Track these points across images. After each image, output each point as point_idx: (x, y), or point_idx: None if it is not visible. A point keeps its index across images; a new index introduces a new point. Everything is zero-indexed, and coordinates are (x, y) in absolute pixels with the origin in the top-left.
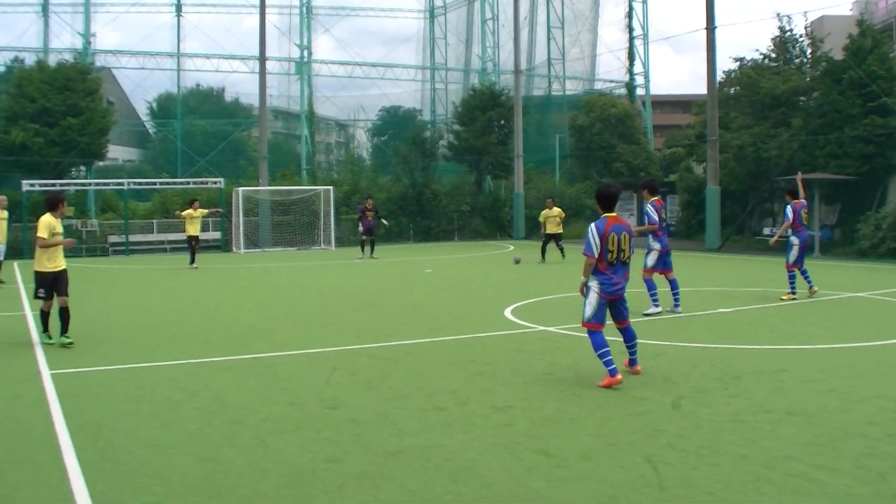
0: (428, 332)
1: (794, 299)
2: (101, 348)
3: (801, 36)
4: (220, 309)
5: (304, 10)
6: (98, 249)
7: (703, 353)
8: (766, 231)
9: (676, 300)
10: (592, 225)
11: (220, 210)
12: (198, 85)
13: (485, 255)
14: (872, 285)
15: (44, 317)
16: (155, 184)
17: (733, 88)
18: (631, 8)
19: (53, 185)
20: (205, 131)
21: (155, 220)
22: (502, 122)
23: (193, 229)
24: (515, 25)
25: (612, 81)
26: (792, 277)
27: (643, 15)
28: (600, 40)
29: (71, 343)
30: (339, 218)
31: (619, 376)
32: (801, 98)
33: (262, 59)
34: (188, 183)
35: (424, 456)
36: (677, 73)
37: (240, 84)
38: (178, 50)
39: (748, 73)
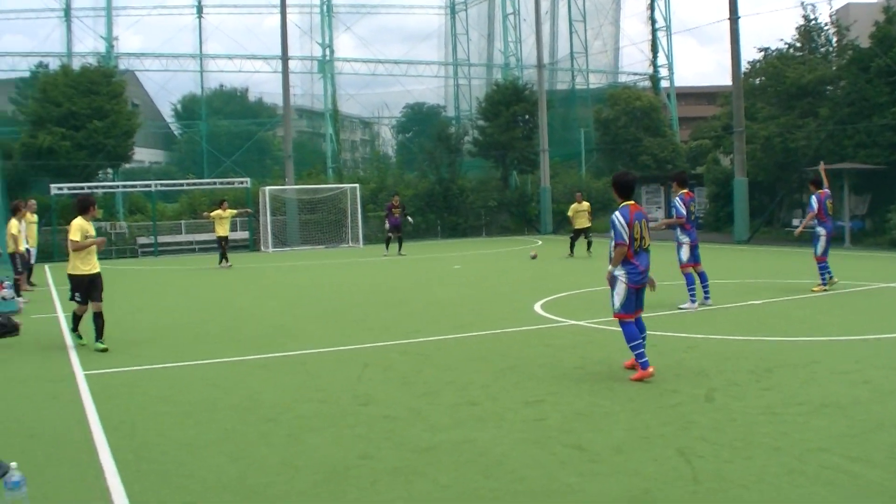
0: (458, 328)
1: (825, 290)
2: (133, 349)
3: (826, 24)
4: (250, 308)
5: (325, 8)
6: (127, 251)
7: (734, 345)
8: (795, 222)
9: (706, 292)
10: (617, 213)
11: (249, 211)
12: (221, 86)
13: (513, 250)
14: None
15: (75, 318)
16: (182, 185)
17: (759, 79)
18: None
19: (81, 188)
20: (229, 132)
21: (183, 221)
22: (527, 116)
23: (223, 229)
24: (537, 19)
25: (635, 74)
26: (823, 268)
27: (665, 6)
28: (623, 33)
29: (105, 349)
30: (366, 215)
31: (652, 369)
32: (828, 87)
33: (285, 58)
34: (215, 183)
35: (457, 451)
36: (702, 64)
37: (263, 84)
38: (201, 51)
39: (773, 62)
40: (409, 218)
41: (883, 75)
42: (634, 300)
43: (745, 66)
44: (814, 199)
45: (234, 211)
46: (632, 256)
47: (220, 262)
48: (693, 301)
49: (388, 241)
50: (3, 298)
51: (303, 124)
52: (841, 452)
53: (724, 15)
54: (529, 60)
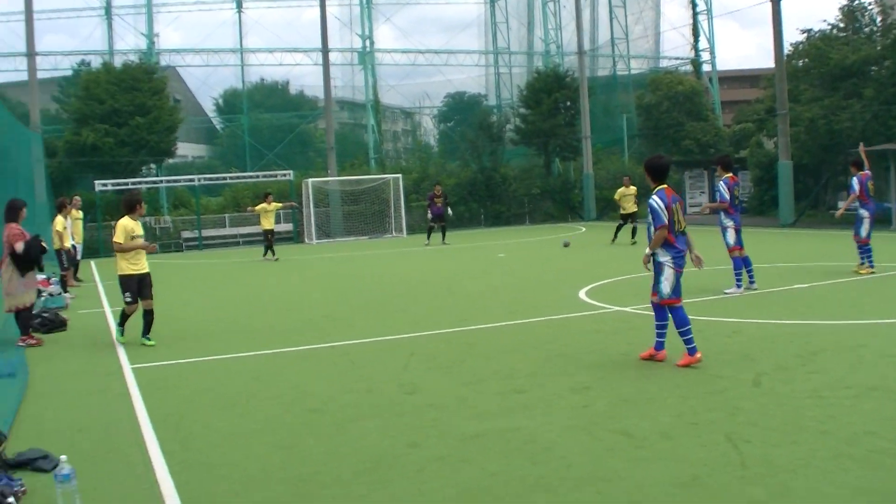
0: (503, 316)
1: (872, 273)
2: (179, 342)
3: (869, 4)
4: (294, 299)
5: (364, 0)
6: (172, 245)
7: (780, 329)
8: (841, 205)
9: (751, 277)
10: (655, 197)
11: (294, 203)
12: (262, 79)
13: (557, 237)
14: None
15: (124, 315)
16: (225, 178)
17: (801, 61)
18: None
19: (125, 184)
20: (271, 125)
21: (227, 215)
22: (568, 103)
23: (268, 222)
24: (577, 6)
25: (677, 59)
26: (867, 251)
27: None
28: (663, 17)
29: (153, 345)
30: (409, 205)
31: (699, 354)
32: (873, 68)
33: (325, 50)
34: (258, 176)
35: (504, 439)
36: (743, 47)
37: (304, 77)
38: (241, 46)
39: (816, 44)
40: (450, 210)
41: None
42: (680, 283)
43: (787, 49)
44: (855, 181)
45: (279, 204)
46: (673, 240)
47: (265, 254)
48: (739, 285)
49: (430, 231)
50: (50, 294)
51: (344, 116)
52: (889, 436)
53: None
54: (570, 47)
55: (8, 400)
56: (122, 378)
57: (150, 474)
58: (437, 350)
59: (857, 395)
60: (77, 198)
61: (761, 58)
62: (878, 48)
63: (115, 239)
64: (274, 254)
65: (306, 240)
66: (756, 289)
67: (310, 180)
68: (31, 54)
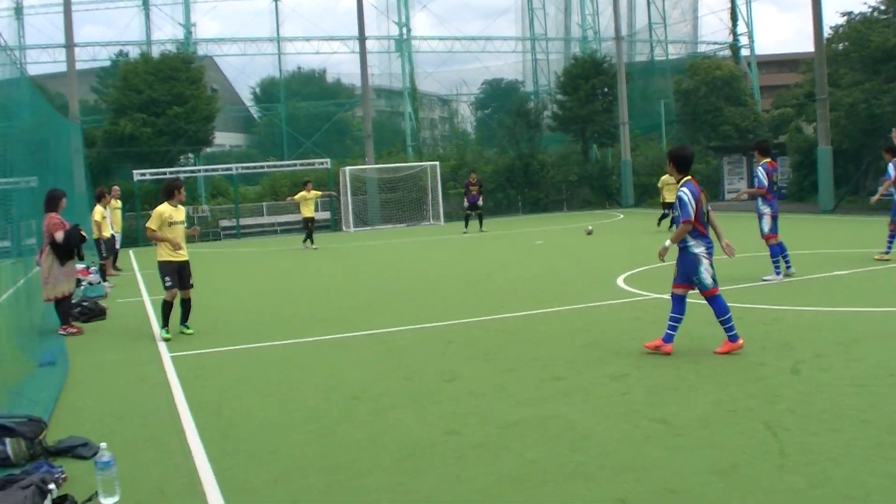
0: (541, 303)
1: (885, 259)
2: (217, 330)
3: None
4: (332, 287)
5: None
6: (210, 234)
7: (820, 316)
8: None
9: (788, 263)
10: (685, 188)
11: (333, 192)
12: (299, 68)
13: (595, 224)
14: None
15: (165, 310)
16: (263, 167)
17: (842, 44)
18: None
19: (163, 173)
20: (308, 113)
21: (265, 203)
22: (606, 89)
23: (308, 210)
24: None
25: (715, 43)
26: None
27: None
28: (701, 2)
29: (191, 333)
30: (446, 193)
31: (741, 341)
32: None
33: (362, 38)
34: (295, 165)
35: (543, 426)
36: (782, 31)
37: (340, 65)
38: (278, 34)
39: (857, 27)
40: (481, 200)
41: None
42: (714, 272)
43: (827, 32)
44: (891, 167)
45: (319, 192)
46: (704, 230)
47: (305, 241)
48: (777, 272)
49: (467, 219)
50: (90, 283)
51: (381, 103)
52: None
53: None
54: (607, 33)
55: (48, 388)
56: (161, 366)
57: (190, 462)
58: (476, 337)
59: None
60: (116, 187)
61: (800, 42)
62: None
63: (147, 224)
64: (313, 242)
65: (344, 228)
66: (794, 273)
67: (347, 168)
68: (69, 46)
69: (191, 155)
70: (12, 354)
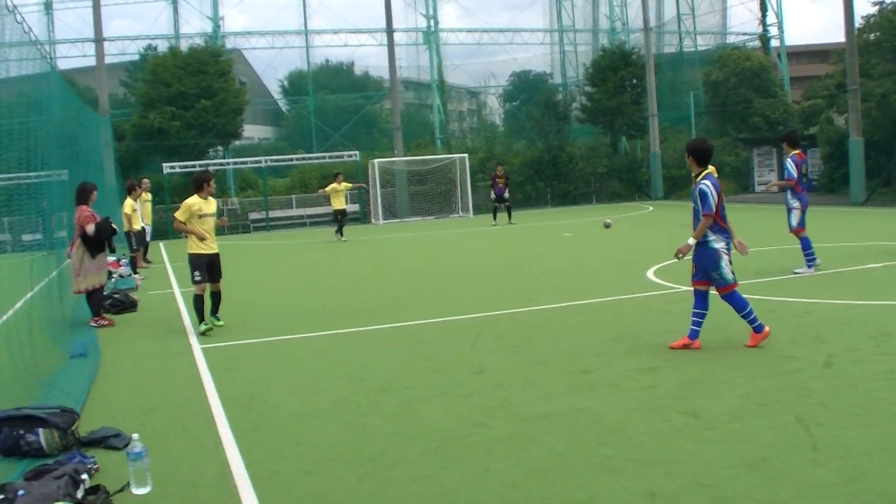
0: (570, 296)
1: None
2: (247, 322)
3: None
4: (362, 279)
5: None
6: (239, 227)
7: (852, 310)
8: None
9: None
10: (707, 182)
11: (363, 185)
12: (327, 60)
13: (624, 216)
14: None
15: (198, 304)
16: (291, 160)
17: (873, 34)
18: None
19: (193, 166)
20: (337, 106)
21: (294, 196)
22: (634, 81)
23: (339, 203)
24: None
25: (744, 34)
26: None
27: None
28: None
29: (222, 325)
30: (475, 185)
31: (767, 329)
32: None
33: (390, 31)
34: (324, 157)
35: (571, 419)
36: (812, 21)
37: (368, 57)
38: (306, 27)
39: (889, 16)
40: (506, 193)
41: None
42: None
43: (858, 22)
44: None
45: (349, 184)
46: (724, 224)
47: (337, 233)
48: (809, 265)
49: (495, 211)
50: (121, 276)
51: (409, 96)
52: None
53: None
54: (635, 24)
55: (80, 380)
56: (191, 358)
57: (220, 453)
58: (504, 330)
59: None
60: (146, 180)
61: (831, 32)
62: None
63: (175, 214)
64: (342, 235)
65: (373, 220)
66: (819, 264)
67: (376, 161)
68: (98, 40)
69: (220, 148)
70: (45, 346)
